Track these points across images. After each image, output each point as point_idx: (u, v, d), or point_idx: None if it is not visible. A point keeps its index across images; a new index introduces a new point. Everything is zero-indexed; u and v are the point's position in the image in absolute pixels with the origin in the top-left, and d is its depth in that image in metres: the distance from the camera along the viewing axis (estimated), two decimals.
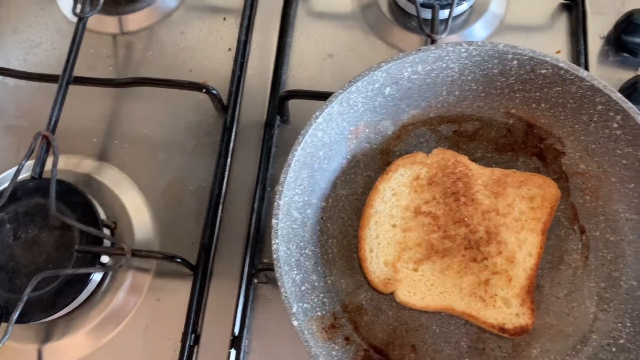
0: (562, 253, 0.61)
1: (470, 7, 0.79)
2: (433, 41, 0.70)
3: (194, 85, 0.72)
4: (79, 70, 0.73)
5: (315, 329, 0.56)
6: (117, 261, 0.66)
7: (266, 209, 0.71)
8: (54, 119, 0.68)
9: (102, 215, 0.68)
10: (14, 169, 0.64)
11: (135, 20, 0.82)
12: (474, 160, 0.64)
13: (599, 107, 0.58)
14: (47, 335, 0.66)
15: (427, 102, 0.65)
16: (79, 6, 0.74)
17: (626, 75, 0.74)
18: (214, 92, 0.71)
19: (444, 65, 0.61)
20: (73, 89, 0.72)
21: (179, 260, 0.65)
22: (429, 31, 0.71)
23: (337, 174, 0.64)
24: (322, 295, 0.59)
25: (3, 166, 0.74)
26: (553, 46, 0.77)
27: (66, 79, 0.70)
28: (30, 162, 0.67)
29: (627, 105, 0.56)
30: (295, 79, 0.78)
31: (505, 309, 0.58)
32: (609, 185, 0.60)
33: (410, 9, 0.78)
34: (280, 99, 0.72)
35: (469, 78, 0.62)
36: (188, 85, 0.72)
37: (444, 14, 0.74)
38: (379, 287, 0.60)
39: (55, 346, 0.66)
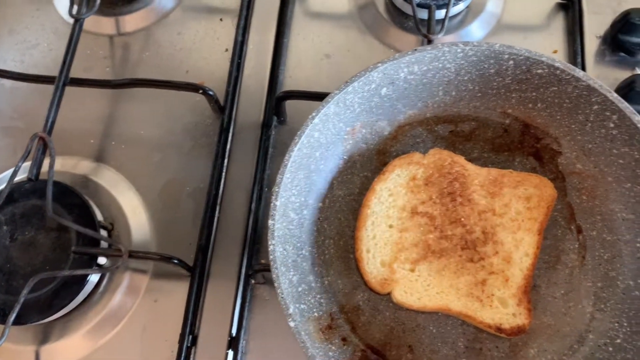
0: (559, 253, 0.61)
1: (467, 7, 0.79)
2: (429, 41, 0.70)
3: (191, 86, 0.72)
4: (75, 72, 0.73)
5: (312, 330, 0.56)
6: (114, 262, 0.66)
7: (263, 209, 0.71)
8: (50, 120, 0.68)
9: (99, 216, 0.68)
10: (11, 170, 0.64)
11: (132, 21, 0.82)
12: (470, 160, 0.64)
13: (595, 107, 0.58)
14: (44, 337, 0.66)
15: (423, 103, 0.65)
16: (75, 7, 0.74)
17: (623, 74, 0.74)
18: (211, 93, 0.71)
19: (440, 65, 0.61)
20: (70, 90, 0.72)
21: (175, 261, 0.65)
22: (425, 31, 0.71)
23: (333, 175, 0.64)
24: (319, 296, 0.59)
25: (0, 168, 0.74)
26: (550, 46, 0.77)
27: (62, 80, 0.70)
28: (27, 164, 0.67)
29: (623, 105, 0.56)
30: (292, 79, 0.78)
31: (502, 309, 0.58)
32: (606, 184, 0.60)
33: (407, 9, 0.78)
34: (277, 100, 0.72)
35: (466, 78, 0.62)
36: (185, 86, 0.72)
37: (440, 14, 0.74)
38: (375, 288, 0.60)
39: (53, 347, 0.66)
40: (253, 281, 0.68)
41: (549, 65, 0.58)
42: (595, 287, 0.59)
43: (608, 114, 0.57)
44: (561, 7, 0.79)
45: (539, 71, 0.59)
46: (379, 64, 0.59)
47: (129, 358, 0.65)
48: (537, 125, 0.64)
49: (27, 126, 0.77)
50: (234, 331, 0.66)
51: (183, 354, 0.64)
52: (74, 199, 0.66)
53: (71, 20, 0.74)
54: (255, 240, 0.69)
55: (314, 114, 0.58)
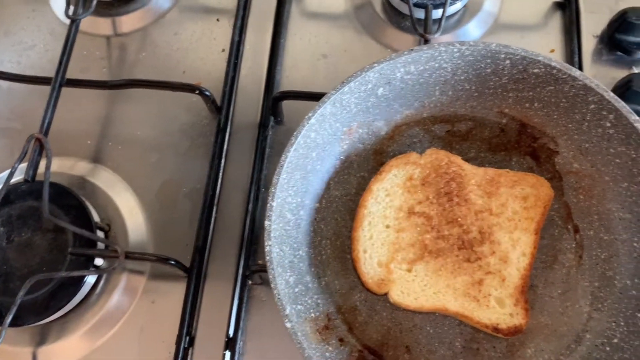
0: (556, 252, 0.61)
1: (464, 6, 0.79)
2: (426, 41, 0.70)
3: (187, 87, 0.72)
4: (72, 73, 0.73)
5: (309, 331, 0.56)
6: (110, 264, 0.66)
7: (260, 210, 0.70)
8: (46, 121, 0.68)
9: (96, 217, 0.68)
10: (7, 171, 0.64)
11: (128, 21, 0.82)
12: (467, 160, 0.63)
13: (592, 106, 0.58)
14: (41, 338, 0.66)
15: (420, 102, 0.65)
16: (71, 8, 0.74)
17: (620, 73, 0.74)
18: (207, 93, 0.71)
19: (437, 65, 0.61)
20: (67, 91, 0.72)
21: (172, 262, 0.64)
22: (422, 31, 0.71)
23: (330, 175, 0.64)
24: (315, 296, 0.59)
25: None
26: (547, 45, 0.77)
27: (59, 82, 0.70)
28: (24, 165, 0.67)
29: (620, 104, 0.56)
30: (289, 79, 0.78)
31: (499, 309, 0.58)
32: (603, 184, 0.60)
33: (404, 8, 0.78)
34: (274, 100, 0.72)
35: (462, 78, 0.62)
36: (181, 87, 0.72)
37: (437, 13, 0.74)
38: (372, 288, 0.59)
39: (50, 349, 0.66)
40: (250, 282, 0.67)
41: (546, 65, 0.58)
42: (593, 286, 0.59)
43: (605, 113, 0.57)
44: (558, 6, 0.79)
45: (536, 70, 0.59)
46: (375, 64, 0.59)
47: (126, 359, 0.65)
48: (534, 125, 0.64)
49: (24, 127, 0.77)
50: (231, 332, 0.65)
51: (180, 355, 0.64)
52: (71, 200, 0.66)
53: (67, 21, 0.74)
54: (252, 240, 0.69)
55: (310, 114, 0.58)
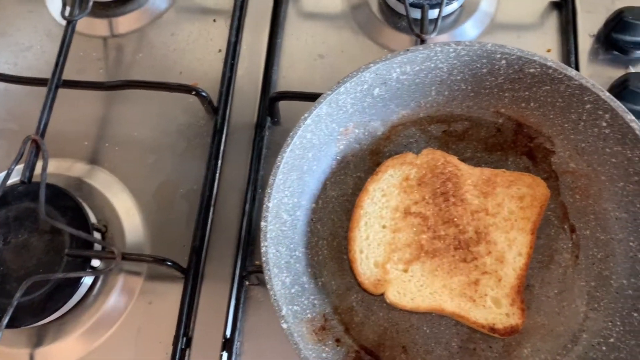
0: (553, 252, 0.61)
1: (461, 6, 0.79)
2: (422, 41, 0.70)
3: (184, 88, 0.72)
4: (69, 74, 0.73)
5: (305, 331, 0.56)
6: (107, 265, 0.66)
7: (257, 210, 0.70)
8: (43, 122, 0.68)
9: (93, 218, 0.68)
10: (4, 173, 0.64)
11: (125, 22, 0.82)
12: (463, 160, 0.63)
13: (588, 105, 0.58)
14: (38, 340, 0.66)
15: (416, 103, 0.65)
16: (67, 9, 0.74)
17: (616, 73, 0.74)
18: (204, 94, 0.71)
19: (433, 65, 0.61)
20: (64, 92, 0.72)
21: (169, 263, 0.65)
22: (418, 31, 0.71)
23: (326, 175, 0.64)
24: (312, 297, 0.59)
25: None
26: (543, 45, 0.77)
27: (55, 83, 0.70)
28: (20, 167, 0.67)
29: (616, 103, 0.56)
30: (285, 80, 0.78)
31: (496, 309, 0.58)
32: (599, 183, 0.60)
33: (400, 8, 0.78)
34: (271, 100, 0.72)
35: (458, 78, 0.62)
36: (178, 88, 0.72)
37: (433, 13, 0.74)
38: (369, 289, 0.59)
39: (47, 350, 0.66)
40: (247, 282, 0.67)
41: (542, 65, 0.58)
42: (589, 286, 0.59)
43: (601, 112, 0.57)
44: (555, 6, 0.79)
45: (532, 70, 0.59)
46: (371, 64, 0.59)
47: None
48: (530, 125, 0.64)
49: (20, 128, 0.77)
50: (228, 333, 0.65)
51: (177, 356, 0.64)
52: (68, 202, 0.66)
53: (64, 22, 0.74)
54: (249, 241, 0.69)
55: (306, 114, 0.58)
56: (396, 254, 0.60)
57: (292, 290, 0.57)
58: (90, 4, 0.73)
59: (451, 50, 0.59)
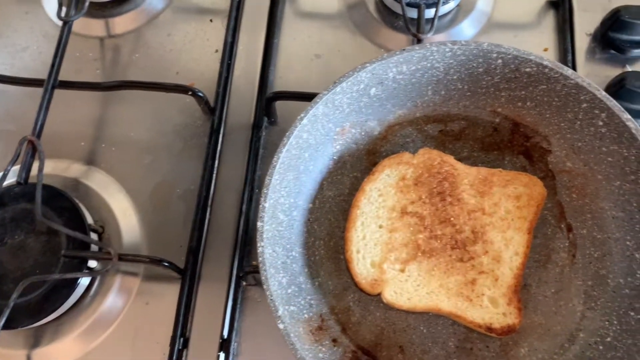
0: (549, 251, 0.61)
1: (458, 5, 0.79)
2: (419, 41, 0.70)
3: (180, 88, 0.72)
4: (66, 74, 0.73)
5: (302, 332, 0.56)
6: (104, 265, 0.66)
7: (254, 211, 0.70)
8: (39, 123, 0.68)
9: (90, 219, 0.68)
10: (0, 174, 0.64)
11: (121, 23, 0.82)
12: (460, 159, 0.63)
13: (584, 105, 0.58)
14: (35, 341, 0.66)
15: (413, 102, 0.65)
16: (63, 9, 0.74)
17: (613, 72, 0.74)
18: (200, 94, 0.71)
19: (429, 65, 0.61)
20: (60, 93, 0.71)
21: (166, 263, 0.64)
22: (415, 31, 0.71)
23: (323, 175, 0.64)
24: (309, 297, 0.59)
25: None
26: (540, 44, 0.77)
27: (51, 83, 0.70)
28: (17, 167, 0.67)
29: (612, 103, 0.56)
30: (282, 79, 0.78)
31: (492, 309, 0.57)
32: (595, 183, 0.60)
33: (397, 8, 0.78)
34: (267, 101, 0.72)
35: (454, 77, 0.62)
36: (174, 88, 0.72)
37: (430, 13, 0.74)
38: (366, 289, 0.59)
39: (45, 351, 0.66)
40: (244, 283, 0.67)
41: (538, 64, 0.58)
42: (586, 285, 0.59)
43: (597, 112, 0.57)
44: (551, 5, 0.79)
45: (528, 70, 0.59)
46: (367, 64, 0.58)
47: None
48: (526, 124, 0.64)
49: (17, 129, 0.77)
50: (225, 333, 0.65)
51: (175, 356, 0.64)
52: (64, 202, 0.66)
53: (60, 23, 0.74)
54: (246, 241, 0.69)
55: (302, 114, 0.58)
56: (393, 254, 0.60)
57: (289, 291, 0.57)
58: (87, 4, 0.73)
59: (447, 49, 0.59)
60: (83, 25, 0.81)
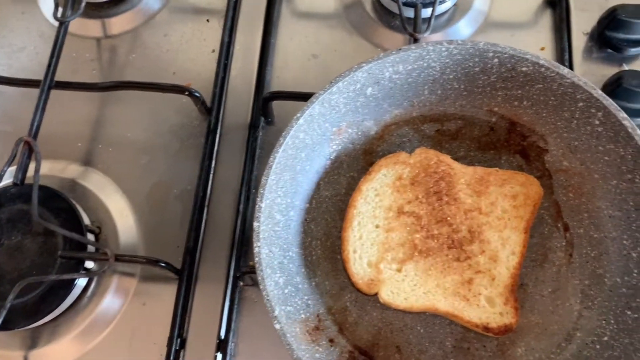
0: (546, 251, 0.61)
1: (454, 4, 0.79)
2: (416, 40, 0.70)
3: (177, 88, 0.72)
4: (62, 75, 0.72)
5: (298, 332, 0.56)
6: (101, 266, 0.66)
7: (251, 211, 0.70)
8: (35, 124, 0.67)
9: (86, 220, 0.68)
10: None
11: (118, 23, 0.82)
12: (456, 159, 0.63)
13: (580, 104, 0.58)
14: (32, 342, 0.66)
15: (409, 102, 0.65)
16: (60, 10, 0.74)
17: (610, 71, 0.73)
18: (197, 94, 0.71)
19: (425, 64, 0.61)
20: (57, 93, 0.71)
21: (162, 264, 0.64)
22: (411, 30, 0.71)
23: (320, 175, 0.64)
24: (306, 297, 0.59)
25: None
26: (537, 43, 0.77)
27: (47, 84, 0.70)
28: (13, 168, 0.67)
29: (608, 101, 0.56)
30: (279, 79, 0.78)
31: (489, 308, 0.57)
32: (592, 182, 0.60)
33: (394, 7, 0.78)
34: (264, 101, 0.72)
35: (451, 77, 0.62)
36: (170, 88, 0.72)
37: (426, 12, 0.74)
38: (362, 288, 0.59)
39: (42, 352, 0.66)
40: (241, 283, 0.67)
41: (534, 63, 0.58)
42: (583, 284, 0.59)
43: (593, 111, 0.57)
44: (548, 4, 0.79)
45: (524, 69, 0.59)
46: (364, 64, 0.58)
47: None
48: (523, 123, 0.64)
49: (14, 130, 0.77)
50: (222, 334, 0.65)
51: (172, 357, 0.64)
52: (61, 203, 0.66)
53: (56, 24, 0.73)
54: (243, 242, 0.69)
55: (298, 114, 0.58)
56: (389, 254, 0.60)
57: (286, 291, 0.57)
58: (83, 5, 0.72)
59: (443, 49, 0.59)
60: (79, 25, 0.81)
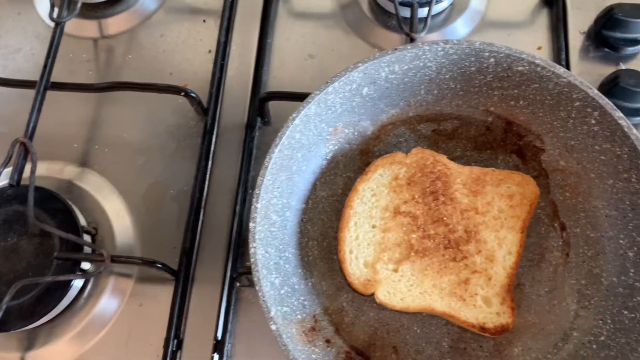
0: (543, 250, 0.61)
1: (451, 4, 0.79)
2: (412, 40, 0.70)
3: (173, 89, 0.72)
4: (59, 76, 0.72)
5: (294, 332, 0.56)
6: (97, 267, 0.66)
7: (248, 212, 0.70)
8: (31, 125, 0.67)
9: (83, 221, 0.68)
10: None
11: (114, 23, 0.82)
12: (453, 159, 0.63)
13: (577, 103, 0.58)
14: (29, 343, 0.66)
15: (405, 102, 0.65)
16: (55, 11, 0.74)
17: (607, 70, 0.73)
18: (193, 94, 0.71)
19: (421, 64, 0.60)
20: (54, 94, 0.71)
21: (159, 265, 0.64)
22: (408, 30, 0.71)
23: (316, 176, 0.64)
24: (302, 298, 0.59)
25: None
26: (534, 42, 0.77)
27: (43, 85, 0.70)
28: (9, 169, 0.66)
29: (604, 101, 0.56)
30: (276, 80, 0.78)
31: (486, 308, 0.57)
32: (589, 181, 0.60)
33: (390, 7, 0.78)
34: (261, 101, 0.72)
35: (447, 76, 0.62)
36: (167, 89, 0.72)
37: (422, 12, 0.74)
38: (359, 289, 0.59)
39: (38, 354, 0.66)
40: (238, 284, 0.67)
41: (530, 62, 0.58)
42: (579, 284, 0.59)
43: (589, 110, 0.57)
44: (545, 3, 0.79)
45: (520, 68, 0.59)
46: (359, 64, 0.58)
47: None
48: (519, 123, 0.63)
49: (10, 131, 0.76)
50: (219, 334, 0.65)
51: (168, 358, 0.63)
52: (57, 204, 0.66)
53: (53, 24, 0.73)
54: (239, 242, 0.69)
55: (294, 115, 0.58)
56: (386, 254, 0.59)
57: (282, 292, 0.57)
58: (79, 5, 0.72)
59: (439, 49, 0.59)
60: (76, 26, 0.81)
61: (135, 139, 0.75)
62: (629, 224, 0.57)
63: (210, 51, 0.79)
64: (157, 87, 0.72)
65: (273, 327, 0.52)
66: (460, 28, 0.79)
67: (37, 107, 0.69)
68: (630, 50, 0.74)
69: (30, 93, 0.70)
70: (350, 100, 0.62)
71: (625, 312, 0.55)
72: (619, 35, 0.74)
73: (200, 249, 0.69)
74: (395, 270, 0.59)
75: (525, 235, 0.60)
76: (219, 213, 0.70)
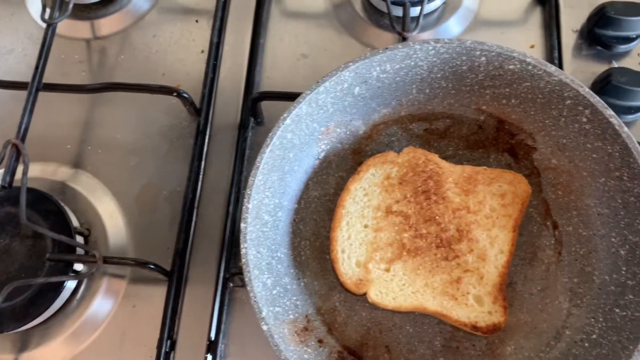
0: (535, 249, 0.61)
1: (444, 3, 0.79)
2: (404, 39, 0.70)
3: (165, 89, 0.72)
4: (51, 77, 0.72)
5: (286, 333, 0.56)
6: (90, 269, 0.66)
7: (241, 212, 0.70)
8: (23, 127, 0.67)
9: (75, 222, 0.68)
10: None
11: (107, 24, 0.81)
12: (445, 158, 0.63)
13: (568, 101, 0.58)
14: (22, 345, 0.66)
15: (397, 101, 0.65)
16: (47, 11, 0.73)
17: (600, 68, 0.73)
18: (185, 95, 0.71)
19: (413, 63, 0.60)
20: (46, 95, 0.71)
21: (152, 266, 0.64)
22: (400, 29, 0.71)
23: (308, 175, 0.64)
24: (294, 298, 0.59)
25: None
26: (527, 41, 0.77)
27: (35, 86, 0.69)
28: (1, 171, 0.66)
29: (595, 99, 0.56)
30: (269, 80, 0.78)
31: (478, 307, 0.57)
32: (581, 179, 0.60)
33: (383, 6, 0.78)
34: (253, 101, 0.72)
35: (439, 76, 0.62)
36: (159, 89, 0.72)
37: (415, 11, 0.73)
38: (351, 288, 0.59)
39: (32, 355, 0.66)
40: (231, 284, 0.67)
41: (521, 61, 0.58)
42: (572, 282, 0.59)
43: (581, 108, 0.57)
44: (538, 1, 0.79)
45: (511, 67, 0.59)
46: (350, 63, 0.58)
47: None
48: (511, 121, 0.63)
49: (1, 133, 0.75)
50: (212, 335, 0.65)
51: (162, 359, 0.63)
52: (49, 206, 0.66)
53: (44, 25, 0.73)
54: (233, 243, 0.69)
55: (285, 115, 0.58)
56: (378, 253, 0.59)
57: (274, 292, 0.57)
58: (71, 6, 0.72)
59: (430, 48, 0.59)
60: (68, 27, 0.80)
61: (128, 139, 0.74)
62: (620, 222, 0.57)
63: (202, 51, 0.79)
64: (149, 88, 0.72)
65: (264, 327, 0.52)
66: (453, 27, 0.79)
67: (29, 108, 0.68)
68: (622, 48, 0.74)
69: (22, 94, 0.70)
70: (342, 100, 0.62)
71: (617, 310, 0.55)
72: (611, 33, 0.74)
73: (193, 249, 0.69)
74: (388, 270, 0.59)
75: (518, 233, 0.60)
76: (212, 213, 0.70)
